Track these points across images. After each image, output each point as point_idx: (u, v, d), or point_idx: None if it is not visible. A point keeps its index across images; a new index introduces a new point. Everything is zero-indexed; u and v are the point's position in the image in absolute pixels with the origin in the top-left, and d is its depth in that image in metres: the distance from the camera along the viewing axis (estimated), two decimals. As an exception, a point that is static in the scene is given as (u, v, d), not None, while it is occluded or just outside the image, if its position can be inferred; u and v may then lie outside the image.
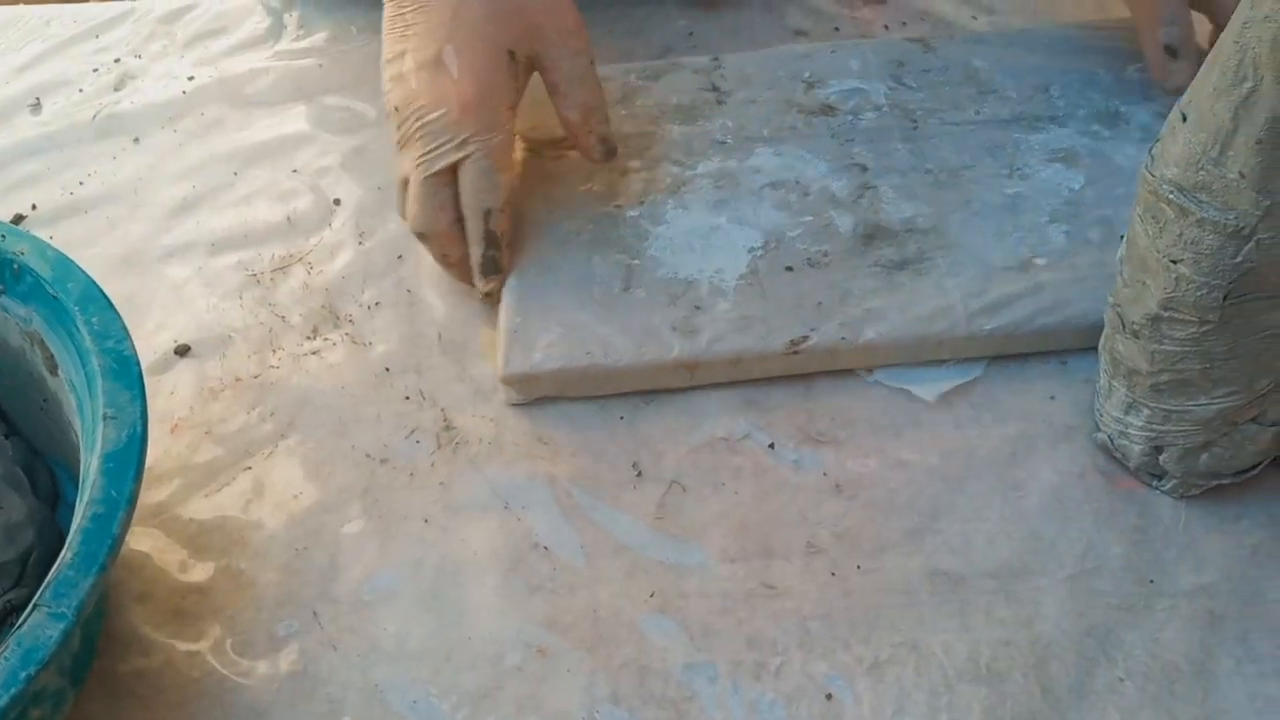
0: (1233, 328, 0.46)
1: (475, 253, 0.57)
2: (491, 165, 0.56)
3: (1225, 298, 0.45)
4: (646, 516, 0.52)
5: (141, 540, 0.51)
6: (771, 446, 0.54)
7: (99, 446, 0.42)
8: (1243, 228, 0.43)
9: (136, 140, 0.69)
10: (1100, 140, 0.63)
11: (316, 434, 0.55)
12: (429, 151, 0.56)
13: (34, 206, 0.66)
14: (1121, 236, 0.53)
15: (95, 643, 0.47)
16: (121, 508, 0.41)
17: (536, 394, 0.55)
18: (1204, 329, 0.46)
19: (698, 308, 0.57)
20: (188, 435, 0.55)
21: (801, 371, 0.57)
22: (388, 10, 0.59)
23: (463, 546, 0.51)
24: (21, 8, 0.80)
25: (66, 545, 0.40)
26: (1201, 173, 0.43)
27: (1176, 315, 0.47)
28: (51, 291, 0.47)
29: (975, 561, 0.50)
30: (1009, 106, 0.65)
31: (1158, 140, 0.46)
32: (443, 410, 0.56)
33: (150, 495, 0.52)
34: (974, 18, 0.75)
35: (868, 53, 0.69)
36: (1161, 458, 0.51)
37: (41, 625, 0.38)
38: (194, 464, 0.54)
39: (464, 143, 0.56)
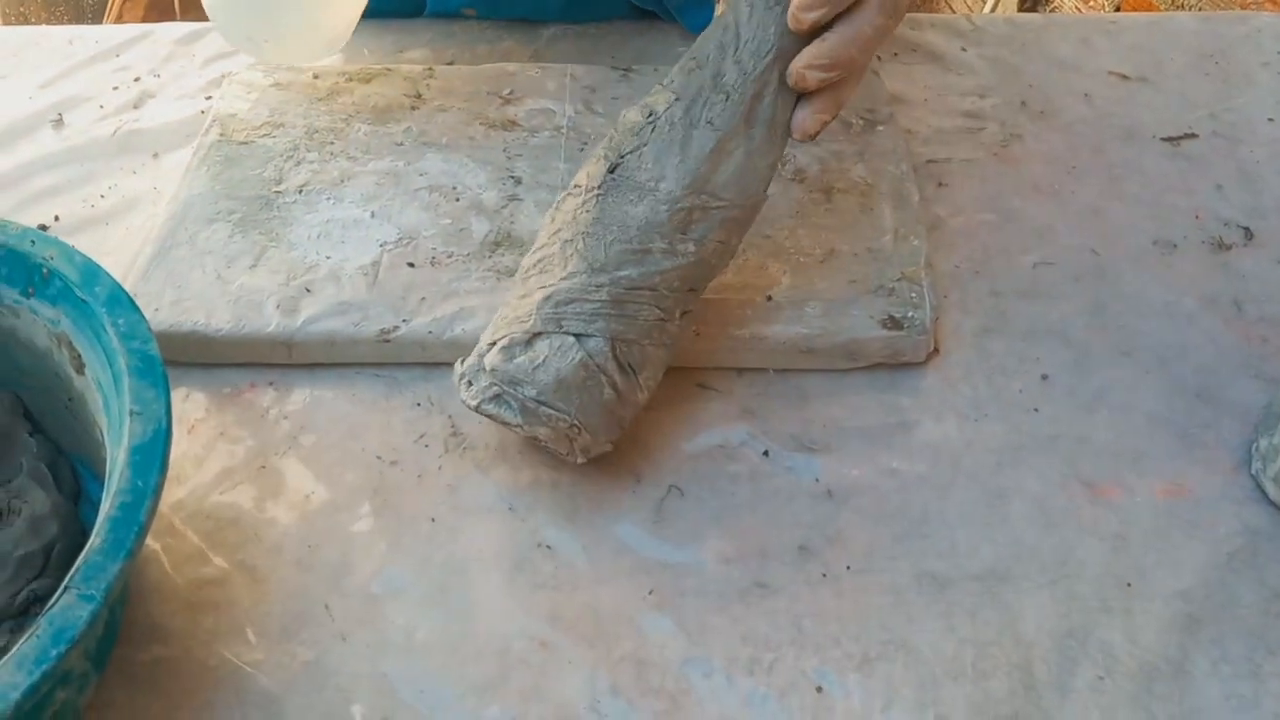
0: (605, 202, 0.53)
1: None
2: None
3: (612, 169, 0.53)
4: (646, 519, 0.54)
5: (160, 535, 0.53)
6: (766, 454, 0.56)
7: (126, 440, 0.44)
8: (656, 111, 0.54)
9: (155, 156, 0.72)
10: None
11: (329, 437, 0.57)
12: None
13: (56, 218, 0.68)
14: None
15: (117, 630, 0.49)
16: (148, 497, 0.42)
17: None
18: (587, 194, 0.54)
19: (308, 290, 0.60)
20: (204, 436, 0.57)
21: (394, 360, 0.59)
22: None
23: (469, 545, 0.53)
24: (45, 28, 0.83)
25: (95, 532, 0.42)
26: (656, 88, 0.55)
27: (576, 188, 0.55)
28: (80, 294, 0.49)
29: (961, 565, 0.52)
30: None
31: None
32: (450, 417, 0.58)
33: (169, 493, 0.54)
34: (963, 50, 0.78)
35: (569, 76, 0.73)
36: (486, 354, 0.53)
37: (71, 607, 0.40)
38: (210, 463, 0.56)
39: None
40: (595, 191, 0.54)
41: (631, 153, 0.54)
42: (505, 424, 0.52)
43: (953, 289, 0.63)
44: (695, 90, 0.53)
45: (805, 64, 0.52)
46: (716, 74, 0.53)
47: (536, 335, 0.52)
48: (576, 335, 0.52)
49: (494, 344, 0.52)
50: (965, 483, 0.55)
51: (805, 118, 0.54)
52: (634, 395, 0.53)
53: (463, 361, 0.54)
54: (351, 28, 0.72)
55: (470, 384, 0.53)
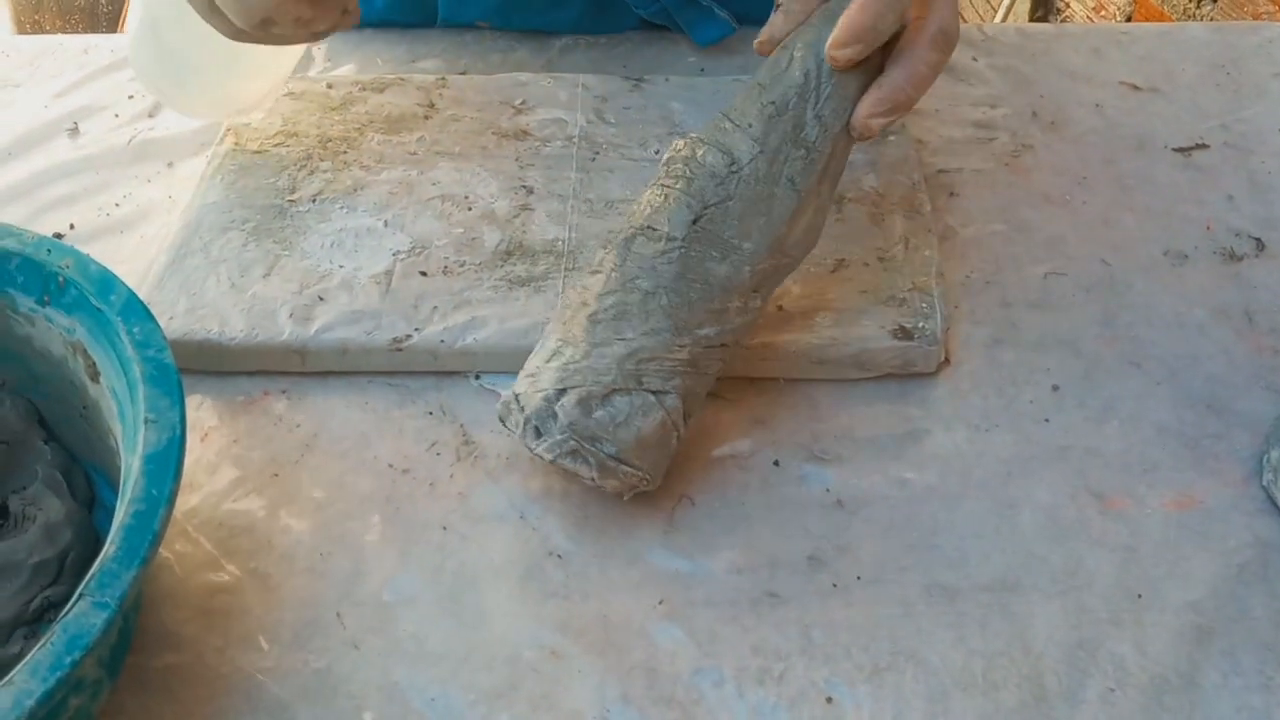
0: (688, 257, 0.53)
1: None
2: None
3: (695, 220, 0.53)
4: (657, 528, 0.54)
5: (173, 542, 0.53)
6: (777, 464, 0.56)
7: (140, 449, 0.44)
8: (738, 159, 0.53)
9: (170, 164, 0.72)
10: None
11: (341, 445, 0.57)
12: None
13: (72, 226, 0.68)
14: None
15: (130, 637, 0.49)
16: (162, 505, 0.43)
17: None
18: (669, 244, 0.53)
19: (321, 299, 0.60)
20: (218, 444, 0.57)
21: (406, 369, 0.59)
22: None
23: (480, 554, 0.53)
24: (60, 36, 0.83)
25: (110, 540, 0.42)
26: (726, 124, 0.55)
27: (652, 231, 0.53)
28: (95, 303, 0.49)
29: (971, 576, 0.52)
30: None
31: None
32: (462, 425, 0.58)
33: (182, 500, 0.54)
34: (974, 59, 0.78)
35: (581, 86, 0.73)
36: (559, 404, 0.51)
37: (86, 614, 0.40)
38: (223, 471, 0.56)
39: None
40: (678, 243, 0.52)
41: (716, 205, 0.53)
42: (576, 474, 0.52)
43: (963, 299, 0.64)
44: (778, 142, 0.53)
45: (867, 113, 0.53)
46: (797, 125, 0.53)
47: (615, 390, 0.51)
48: (655, 393, 0.52)
49: (564, 390, 0.51)
50: (975, 493, 0.55)
51: None
52: (684, 434, 0.54)
53: (520, 404, 0.52)
54: (264, 100, 0.70)
55: (539, 433, 0.51)
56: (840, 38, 0.52)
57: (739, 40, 0.79)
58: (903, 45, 0.53)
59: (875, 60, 0.54)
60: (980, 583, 0.52)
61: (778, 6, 0.57)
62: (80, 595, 0.40)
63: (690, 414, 0.53)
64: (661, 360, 0.52)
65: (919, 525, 0.54)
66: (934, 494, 0.55)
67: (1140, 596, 0.51)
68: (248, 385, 0.60)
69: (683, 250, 0.53)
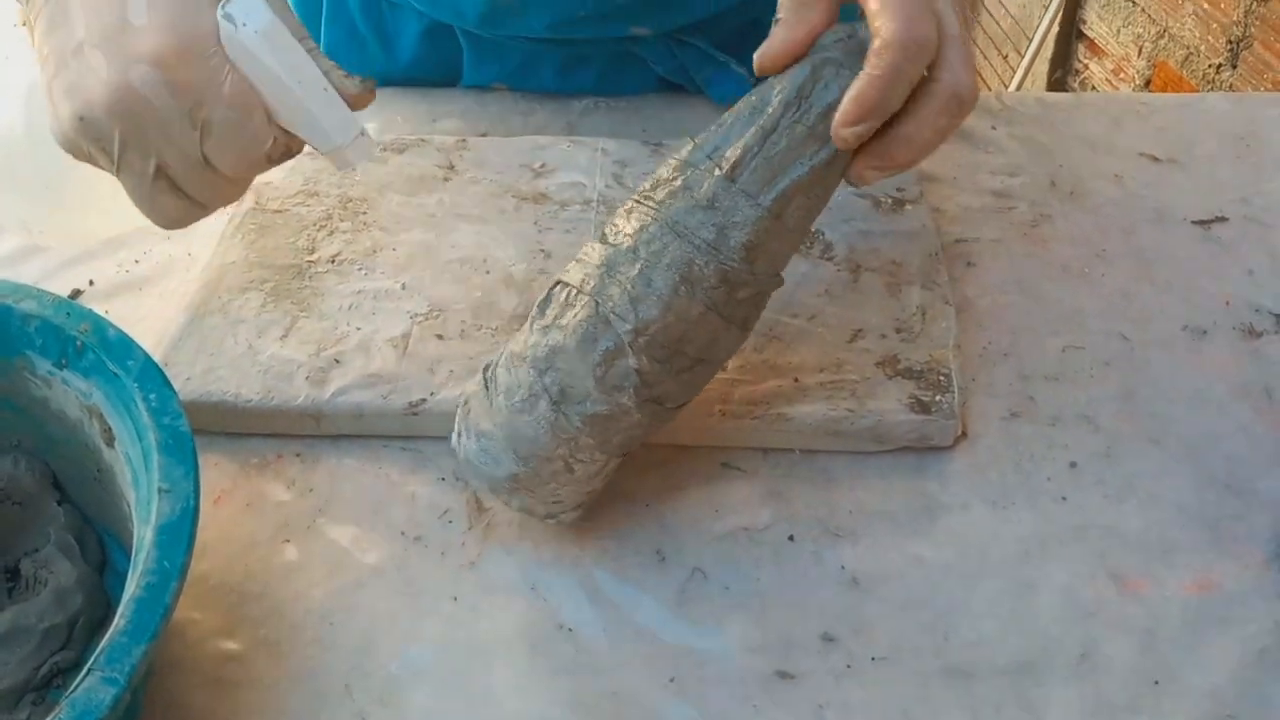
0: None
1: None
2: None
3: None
4: (668, 602, 0.53)
5: (183, 608, 0.53)
6: (791, 538, 0.56)
7: (153, 519, 0.44)
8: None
9: (190, 221, 0.72)
10: None
11: (353, 511, 0.57)
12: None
13: (91, 282, 0.69)
14: None
15: (139, 709, 0.49)
16: (173, 578, 0.43)
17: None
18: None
19: (338, 361, 0.60)
20: (230, 508, 0.57)
21: (421, 433, 0.59)
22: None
23: (490, 625, 0.52)
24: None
25: (119, 613, 0.42)
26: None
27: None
28: (112, 368, 0.49)
29: (987, 658, 0.51)
30: None
31: None
32: (475, 492, 0.58)
33: (193, 565, 0.53)
34: (993, 128, 0.79)
35: (600, 151, 0.73)
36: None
37: (95, 689, 0.40)
38: (235, 536, 0.56)
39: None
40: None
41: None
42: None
43: (980, 371, 0.63)
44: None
45: (863, 165, 0.51)
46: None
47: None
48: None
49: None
50: (992, 573, 0.54)
51: None
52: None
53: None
54: None
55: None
56: (849, 115, 0.48)
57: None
58: (912, 104, 0.49)
59: None
60: (997, 665, 0.51)
61: (777, 21, 0.51)
62: (90, 670, 0.40)
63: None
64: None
65: (935, 604, 0.53)
66: (951, 572, 0.54)
67: (1158, 682, 0.50)
68: (262, 447, 0.59)
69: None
